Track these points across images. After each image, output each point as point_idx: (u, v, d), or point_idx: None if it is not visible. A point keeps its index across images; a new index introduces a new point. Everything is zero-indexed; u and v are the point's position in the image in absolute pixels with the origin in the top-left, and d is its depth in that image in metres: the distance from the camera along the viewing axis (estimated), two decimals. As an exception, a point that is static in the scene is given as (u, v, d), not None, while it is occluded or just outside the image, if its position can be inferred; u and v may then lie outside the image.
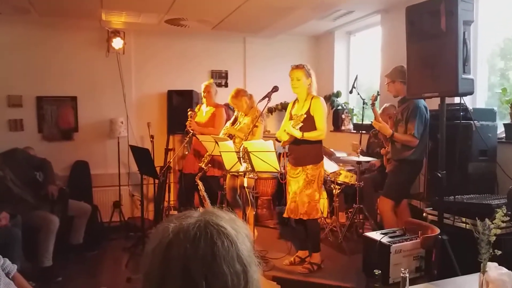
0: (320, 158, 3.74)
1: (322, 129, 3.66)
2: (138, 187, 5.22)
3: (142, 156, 4.45)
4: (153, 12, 4.94)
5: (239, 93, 4.42)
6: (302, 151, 3.69)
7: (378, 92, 4.22)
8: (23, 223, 3.84)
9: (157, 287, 0.82)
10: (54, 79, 5.54)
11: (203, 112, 4.83)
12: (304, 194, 3.65)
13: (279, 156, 5.73)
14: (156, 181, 5.26)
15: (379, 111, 4.16)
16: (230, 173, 4.09)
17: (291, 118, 3.76)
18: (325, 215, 4.70)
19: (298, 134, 3.62)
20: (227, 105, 5.21)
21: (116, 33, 5.54)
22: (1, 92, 5.33)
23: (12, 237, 3.62)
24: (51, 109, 5.57)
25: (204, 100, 4.79)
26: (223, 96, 5.66)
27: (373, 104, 4.01)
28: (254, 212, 4.13)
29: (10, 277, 1.97)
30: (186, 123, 4.61)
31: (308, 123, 3.64)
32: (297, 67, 3.73)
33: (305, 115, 3.60)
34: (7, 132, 5.36)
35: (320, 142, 3.74)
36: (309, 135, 3.64)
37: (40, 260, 3.91)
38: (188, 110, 4.70)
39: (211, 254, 0.81)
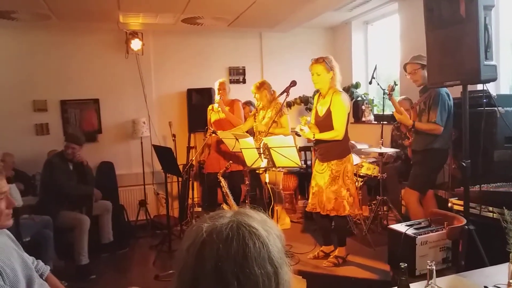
0: (345, 153, 3.63)
1: (338, 129, 3.52)
2: (162, 185, 5.31)
3: (165, 155, 4.52)
4: (170, 12, 4.98)
5: (262, 85, 4.49)
6: (327, 147, 3.62)
7: (395, 82, 4.12)
8: (54, 223, 3.98)
9: (190, 285, 0.83)
10: (76, 83, 5.67)
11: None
12: (330, 191, 3.59)
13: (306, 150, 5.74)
14: (180, 179, 5.33)
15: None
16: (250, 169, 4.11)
17: (316, 113, 3.73)
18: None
19: (310, 135, 3.58)
20: (246, 103, 5.25)
21: (134, 34, 5.61)
22: (26, 97, 5.48)
23: (44, 238, 3.76)
24: (75, 112, 5.72)
25: (218, 97, 4.84)
26: (242, 91, 5.70)
27: (390, 95, 3.93)
28: (281, 207, 4.15)
29: (43, 278, 2.05)
30: (216, 101, 4.81)
31: (329, 120, 3.56)
32: (317, 61, 3.59)
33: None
34: (34, 136, 5.52)
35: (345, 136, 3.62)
36: (322, 136, 3.56)
37: (78, 258, 4.06)
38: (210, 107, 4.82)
39: (243, 255, 0.83)
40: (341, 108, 3.52)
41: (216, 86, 4.93)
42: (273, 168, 3.68)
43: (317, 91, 3.83)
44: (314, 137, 3.59)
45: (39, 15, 4.81)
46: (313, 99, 6.17)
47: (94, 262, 4.23)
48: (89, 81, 5.72)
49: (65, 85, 5.62)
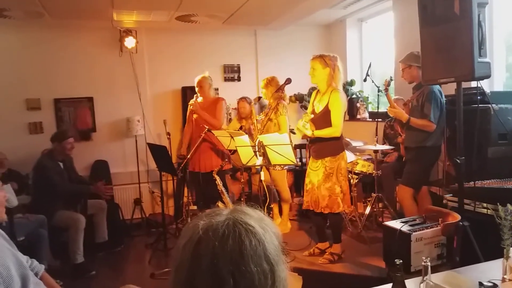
0: (339, 150, 3.64)
1: (337, 126, 3.54)
2: (157, 184, 5.29)
3: (160, 153, 4.51)
4: (164, 9, 4.96)
5: (270, 82, 4.59)
6: (321, 144, 3.63)
7: (391, 77, 4.14)
8: (49, 223, 3.96)
9: (186, 281, 0.84)
10: (70, 81, 5.62)
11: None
12: (324, 188, 3.59)
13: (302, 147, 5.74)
14: (175, 177, 5.32)
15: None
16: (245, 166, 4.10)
17: (313, 110, 3.73)
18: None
19: (309, 133, 3.59)
20: (242, 99, 5.23)
21: (128, 32, 5.58)
22: (20, 96, 5.44)
23: (39, 237, 3.74)
24: (68, 111, 5.68)
25: (193, 99, 4.60)
26: (237, 89, 5.69)
27: (386, 90, 3.95)
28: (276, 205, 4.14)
29: (38, 277, 2.03)
30: (189, 103, 4.56)
31: (325, 117, 3.57)
32: (314, 56, 3.70)
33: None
34: (27, 135, 5.47)
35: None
36: (321, 133, 3.58)
37: (73, 257, 4.05)
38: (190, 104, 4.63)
39: (239, 252, 0.82)
40: (338, 106, 3.55)
41: (195, 84, 4.60)
42: (277, 167, 3.68)
43: (314, 88, 3.85)
44: (313, 135, 3.59)
45: (32, 13, 4.77)
46: (308, 96, 6.19)
47: (89, 261, 4.22)
48: (83, 79, 5.68)
49: (59, 84, 5.58)
